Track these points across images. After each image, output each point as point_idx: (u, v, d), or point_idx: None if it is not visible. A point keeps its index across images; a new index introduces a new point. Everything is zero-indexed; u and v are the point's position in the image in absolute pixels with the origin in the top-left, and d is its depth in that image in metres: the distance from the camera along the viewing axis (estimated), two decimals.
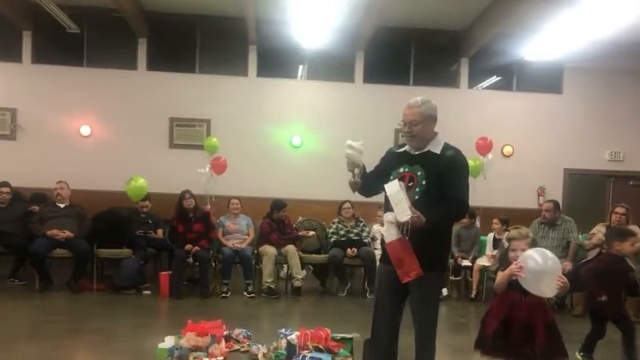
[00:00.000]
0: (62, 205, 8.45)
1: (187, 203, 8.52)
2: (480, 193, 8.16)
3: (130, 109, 11.55)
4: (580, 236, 8.34)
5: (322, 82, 12.11)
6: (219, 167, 10.09)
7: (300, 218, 9.52)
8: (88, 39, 11.74)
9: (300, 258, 8.63)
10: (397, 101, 4.68)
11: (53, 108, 11.30)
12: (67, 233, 8.08)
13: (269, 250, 8.43)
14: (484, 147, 10.43)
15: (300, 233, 9.04)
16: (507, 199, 11.48)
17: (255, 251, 8.66)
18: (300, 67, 12.42)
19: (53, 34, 11.39)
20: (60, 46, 11.77)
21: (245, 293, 8.19)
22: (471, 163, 8.39)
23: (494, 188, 10.60)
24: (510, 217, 8.74)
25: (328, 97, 12.05)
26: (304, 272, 8.80)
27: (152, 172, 10.09)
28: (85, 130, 11.48)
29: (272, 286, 8.25)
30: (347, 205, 8.94)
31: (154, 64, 11.84)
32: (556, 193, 11.89)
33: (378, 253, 7.00)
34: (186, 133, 11.66)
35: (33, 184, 10.20)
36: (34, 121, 11.31)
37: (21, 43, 11.56)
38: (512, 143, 12.25)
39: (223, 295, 8.13)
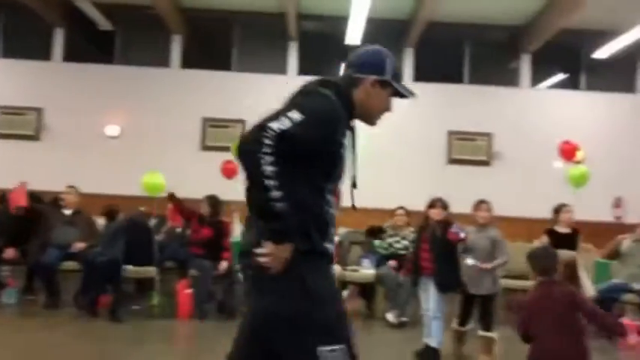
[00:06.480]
0: None
1: None
2: None
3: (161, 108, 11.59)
4: None
5: None
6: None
7: None
8: (121, 36, 12.11)
9: None
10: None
11: (81, 107, 11.42)
12: None
13: None
14: (567, 152, 9.53)
15: None
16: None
17: None
18: (343, 65, 12.28)
19: (85, 31, 11.84)
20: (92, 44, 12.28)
21: None
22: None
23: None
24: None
25: None
26: None
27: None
28: (113, 130, 11.56)
29: None
30: None
31: (187, 62, 12.00)
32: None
33: None
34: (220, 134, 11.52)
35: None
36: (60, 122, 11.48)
37: (51, 40, 11.88)
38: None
39: None
